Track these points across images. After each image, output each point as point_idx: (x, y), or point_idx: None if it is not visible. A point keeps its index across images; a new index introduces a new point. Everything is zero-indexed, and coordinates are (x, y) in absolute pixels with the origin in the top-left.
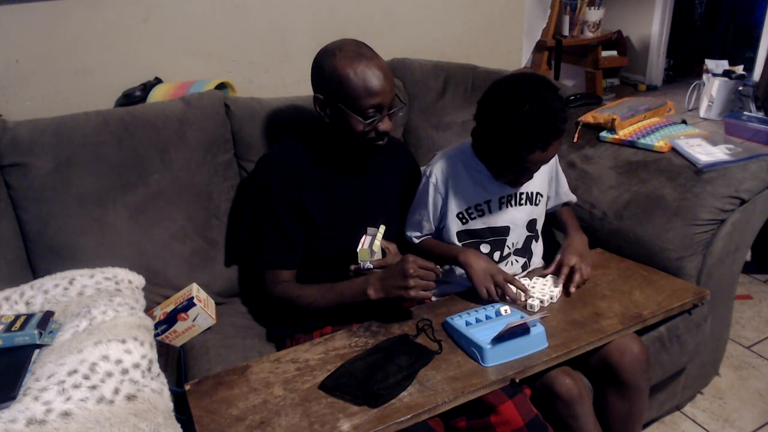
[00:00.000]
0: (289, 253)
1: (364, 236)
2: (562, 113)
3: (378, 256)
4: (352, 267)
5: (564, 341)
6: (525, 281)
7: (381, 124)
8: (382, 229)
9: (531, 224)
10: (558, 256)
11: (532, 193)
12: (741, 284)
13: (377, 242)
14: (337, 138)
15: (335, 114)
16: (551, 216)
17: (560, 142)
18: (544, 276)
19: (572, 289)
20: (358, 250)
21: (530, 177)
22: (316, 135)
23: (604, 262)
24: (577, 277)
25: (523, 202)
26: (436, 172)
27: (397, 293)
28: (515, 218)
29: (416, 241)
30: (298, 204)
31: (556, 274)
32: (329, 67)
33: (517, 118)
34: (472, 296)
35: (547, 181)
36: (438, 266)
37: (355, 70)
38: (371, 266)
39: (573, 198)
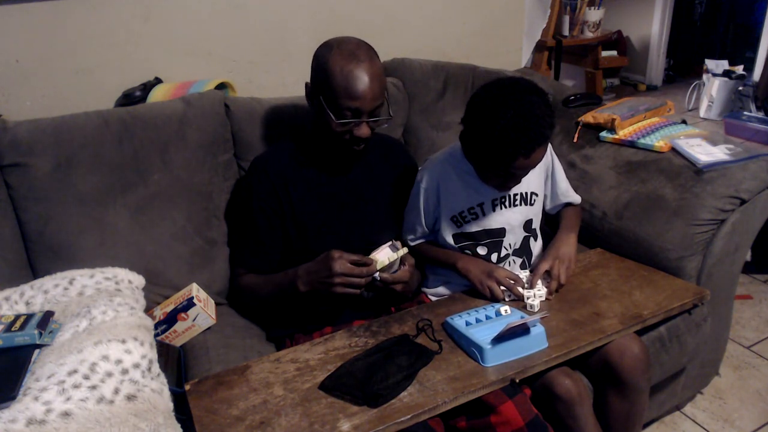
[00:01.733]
0: (258, 255)
1: (384, 246)
2: (548, 119)
3: (392, 271)
4: None
5: (564, 341)
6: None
7: (357, 129)
8: (404, 250)
9: (527, 224)
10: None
11: (526, 193)
12: (741, 284)
13: (397, 259)
14: (320, 133)
15: (316, 106)
16: (554, 217)
17: (545, 148)
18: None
19: (549, 296)
20: (374, 256)
21: (518, 181)
22: (310, 134)
23: (604, 262)
24: (553, 285)
25: (517, 202)
26: (426, 177)
27: (323, 288)
28: (510, 219)
29: (411, 243)
30: (285, 208)
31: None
32: (322, 59)
33: (499, 124)
34: (472, 296)
35: (543, 180)
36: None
37: (342, 68)
38: (378, 278)
39: (575, 199)
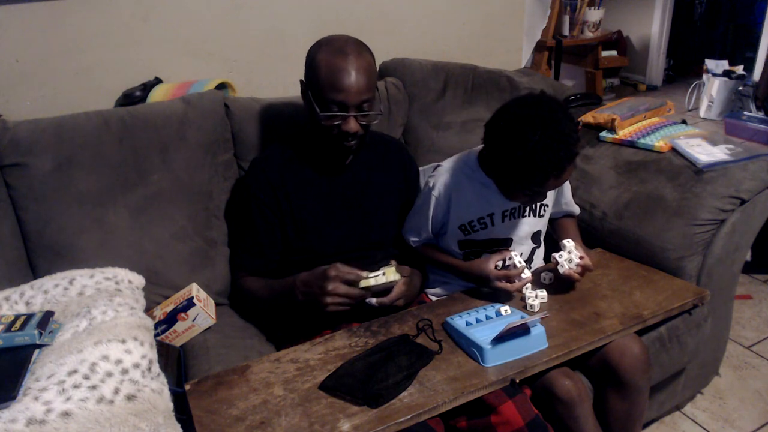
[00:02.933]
0: (258, 256)
1: (382, 269)
2: (575, 135)
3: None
4: None
5: (564, 341)
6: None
7: (344, 124)
8: (394, 275)
9: (536, 236)
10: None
11: (537, 205)
12: (741, 284)
13: (389, 282)
14: (313, 132)
15: (307, 101)
16: (550, 222)
17: (574, 165)
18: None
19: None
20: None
21: (544, 197)
22: (308, 135)
23: (604, 262)
24: (581, 269)
25: (526, 214)
26: (439, 186)
27: (313, 302)
28: (519, 230)
29: (414, 244)
30: (284, 208)
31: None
32: (312, 55)
33: (528, 147)
34: (472, 296)
35: (554, 191)
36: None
37: (329, 62)
38: (376, 304)
39: (575, 209)
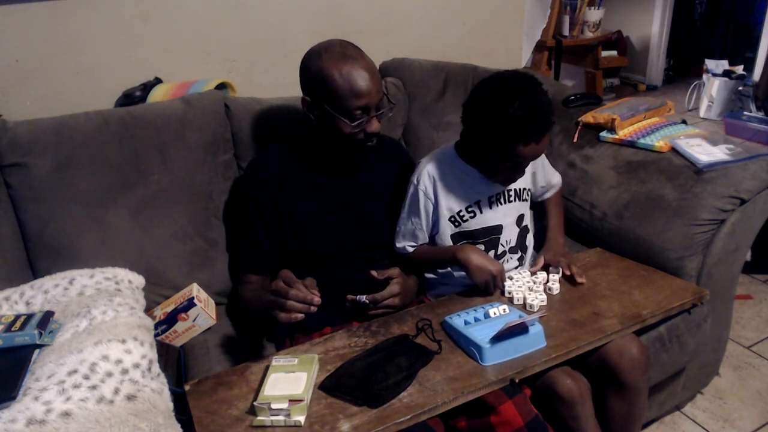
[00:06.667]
0: (259, 258)
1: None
2: (550, 106)
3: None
4: (349, 297)
5: (563, 341)
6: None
7: (368, 126)
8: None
9: (519, 219)
10: (541, 258)
11: (520, 189)
12: (741, 284)
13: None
14: (326, 139)
15: (322, 116)
16: (539, 202)
17: (551, 134)
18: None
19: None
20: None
21: (522, 172)
22: (306, 136)
23: (604, 262)
24: (574, 269)
25: (512, 199)
26: (423, 179)
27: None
28: (506, 215)
29: (411, 250)
30: (282, 209)
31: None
32: (315, 69)
33: (509, 112)
34: (472, 296)
35: (531, 174)
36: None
37: (341, 71)
38: (366, 301)
39: (558, 180)
